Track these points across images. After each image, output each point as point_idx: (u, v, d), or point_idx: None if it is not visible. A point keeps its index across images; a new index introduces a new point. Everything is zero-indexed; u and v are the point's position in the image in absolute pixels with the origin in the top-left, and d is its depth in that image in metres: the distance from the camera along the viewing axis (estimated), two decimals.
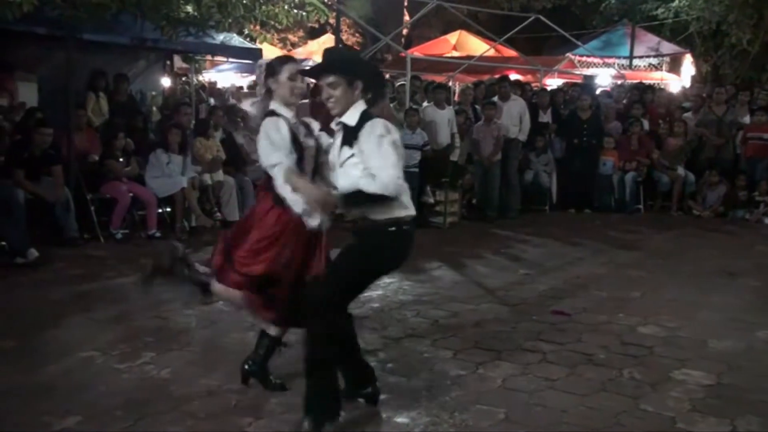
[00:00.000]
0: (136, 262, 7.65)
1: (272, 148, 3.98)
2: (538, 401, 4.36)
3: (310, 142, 4.19)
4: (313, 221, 4.10)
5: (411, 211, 3.90)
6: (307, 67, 4.74)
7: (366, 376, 4.25)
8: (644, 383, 4.66)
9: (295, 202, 3.98)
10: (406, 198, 3.87)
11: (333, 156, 3.97)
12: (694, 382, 4.69)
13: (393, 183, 3.66)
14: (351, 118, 3.82)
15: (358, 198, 3.73)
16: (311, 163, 4.19)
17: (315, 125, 4.32)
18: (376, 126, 3.74)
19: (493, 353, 5.13)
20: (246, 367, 4.46)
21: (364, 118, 3.79)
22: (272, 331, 4.41)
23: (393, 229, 3.83)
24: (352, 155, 3.77)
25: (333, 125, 3.95)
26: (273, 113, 4.12)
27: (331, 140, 4.09)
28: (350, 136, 3.80)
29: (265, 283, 4.12)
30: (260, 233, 4.12)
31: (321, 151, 4.21)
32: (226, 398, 4.31)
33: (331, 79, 3.80)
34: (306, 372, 3.89)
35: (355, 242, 3.92)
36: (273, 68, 4.18)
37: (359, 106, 3.84)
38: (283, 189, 3.97)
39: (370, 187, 3.67)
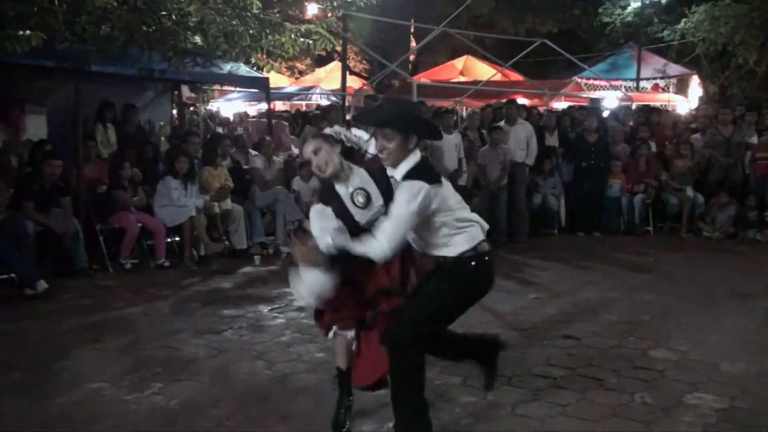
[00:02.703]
0: (145, 291, 7.69)
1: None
2: (549, 428, 4.33)
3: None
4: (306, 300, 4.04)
5: (479, 238, 3.99)
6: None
7: (488, 346, 4.50)
8: (656, 408, 4.61)
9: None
10: (476, 228, 3.99)
11: None
12: (707, 406, 4.64)
13: (384, 252, 3.73)
14: (399, 173, 3.85)
15: (341, 258, 3.83)
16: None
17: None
18: (405, 189, 3.76)
19: (503, 379, 5.08)
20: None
21: (406, 177, 3.80)
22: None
23: (473, 263, 3.94)
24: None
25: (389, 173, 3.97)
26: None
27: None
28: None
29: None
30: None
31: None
32: (234, 429, 4.29)
33: (387, 131, 3.83)
34: (394, 401, 3.96)
35: (438, 279, 3.98)
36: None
37: (411, 160, 3.85)
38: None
39: (359, 247, 3.78)
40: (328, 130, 4.20)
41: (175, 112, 12.85)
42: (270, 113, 13.50)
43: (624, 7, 22.97)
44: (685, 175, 11.80)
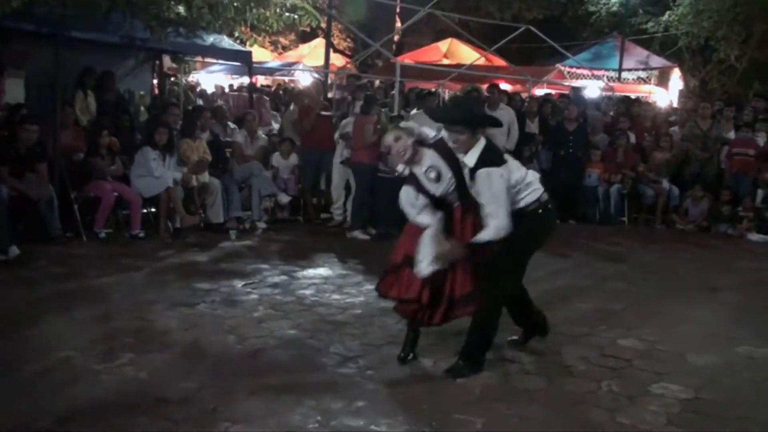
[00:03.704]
0: (119, 262, 7.65)
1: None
2: (516, 412, 4.37)
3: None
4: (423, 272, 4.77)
5: (540, 191, 4.94)
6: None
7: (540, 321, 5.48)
8: (622, 396, 4.68)
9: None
10: (534, 183, 4.92)
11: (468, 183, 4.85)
12: (672, 396, 4.71)
13: (503, 227, 4.63)
14: (470, 159, 4.75)
15: (479, 246, 4.72)
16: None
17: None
18: (486, 177, 4.66)
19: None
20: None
21: (479, 163, 4.71)
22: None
23: (540, 211, 4.91)
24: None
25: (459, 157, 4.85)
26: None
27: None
28: (471, 174, 4.77)
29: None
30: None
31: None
32: (203, 402, 4.30)
33: (459, 128, 4.77)
34: (472, 333, 4.97)
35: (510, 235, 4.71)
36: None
37: (479, 147, 4.75)
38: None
39: (485, 236, 4.66)
40: (403, 124, 5.13)
41: (155, 82, 12.72)
42: (252, 87, 13.40)
43: None
44: (662, 167, 11.89)
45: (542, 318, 5.50)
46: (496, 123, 5.49)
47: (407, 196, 4.91)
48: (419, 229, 4.84)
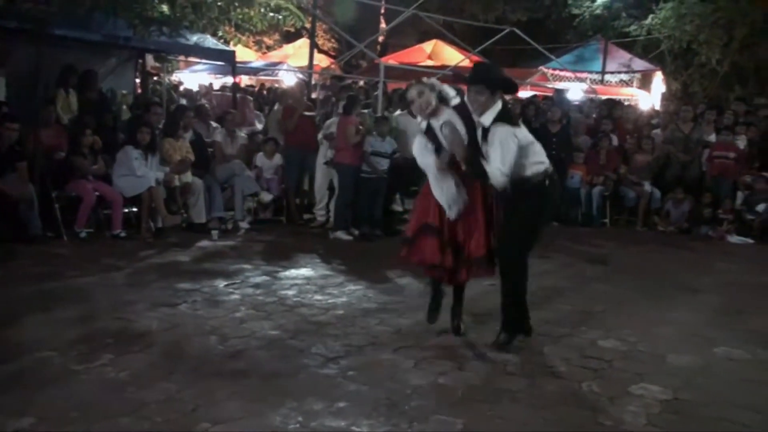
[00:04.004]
0: (100, 261, 7.60)
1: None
2: (497, 413, 4.38)
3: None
4: (451, 212, 5.31)
5: (546, 163, 5.38)
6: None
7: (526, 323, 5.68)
8: (603, 397, 4.70)
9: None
10: (540, 155, 5.36)
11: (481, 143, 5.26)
12: (652, 396, 4.74)
13: (502, 173, 5.07)
14: (487, 118, 5.21)
15: (478, 168, 5.17)
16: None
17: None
18: (499, 131, 5.13)
19: (455, 363, 5.15)
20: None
21: (494, 122, 5.16)
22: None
23: (546, 182, 5.34)
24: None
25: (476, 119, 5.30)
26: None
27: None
28: (485, 132, 5.21)
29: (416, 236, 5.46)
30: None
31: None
32: (184, 403, 4.27)
33: (479, 87, 5.19)
34: (505, 305, 5.48)
35: (521, 199, 5.30)
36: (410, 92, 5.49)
37: (495, 108, 5.20)
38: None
39: (487, 168, 5.13)
40: (425, 80, 5.49)
41: (138, 81, 12.66)
42: (235, 87, 13.36)
43: (593, 0, 23.09)
44: (644, 169, 11.97)
45: (526, 318, 5.71)
46: (513, 87, 5.68)
47: (420, 143, 5.42)
48: (428, 200, 5.39)
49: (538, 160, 5.31)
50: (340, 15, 21.81)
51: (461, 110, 5.34)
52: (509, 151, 5.06)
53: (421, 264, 5.64)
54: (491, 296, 6.97)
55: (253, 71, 20.14)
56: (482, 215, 5.39)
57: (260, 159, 10.51)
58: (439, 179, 5.30)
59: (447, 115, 5.32)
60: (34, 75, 8.75)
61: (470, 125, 5.29)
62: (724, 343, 5.91)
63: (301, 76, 17.09)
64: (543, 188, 5.33)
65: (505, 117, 5.21)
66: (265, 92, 18.81)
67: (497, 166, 5.05)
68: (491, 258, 5.41)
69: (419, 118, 5.44)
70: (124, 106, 11.46)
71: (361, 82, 17.46)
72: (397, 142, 9.89)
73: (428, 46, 21.67)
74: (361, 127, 9.55)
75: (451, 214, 5.31)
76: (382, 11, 24.30)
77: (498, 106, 5.20)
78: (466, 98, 5.39)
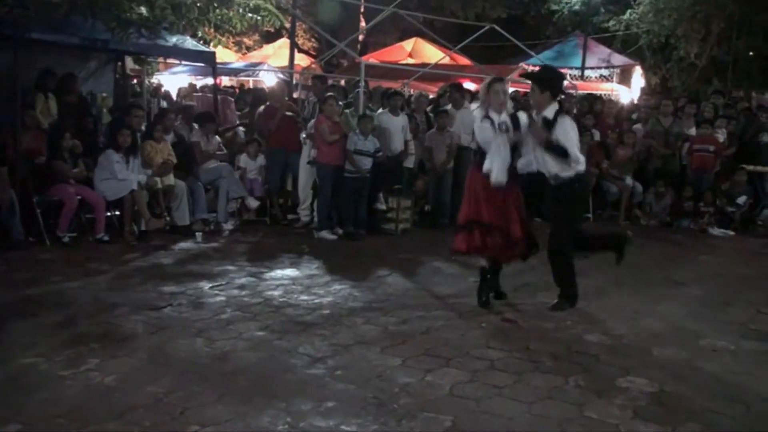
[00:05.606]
0: (83, 266, 7.55)
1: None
2: (485, 409, 4.40)
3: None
4: (498, 180, 6.29)
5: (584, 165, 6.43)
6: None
7: (618, 239, 6.96)
8: (589, 390, 4.73)
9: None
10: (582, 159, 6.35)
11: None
12: (638, 389, 4.78)
13: (581, 162, 6.27)
14: (549, 112, 6.24)
15: (558, 150, 6.17)
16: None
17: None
18: (568, 122, 6.30)
19: (442, 360, 5.16)
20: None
21: (557, 114, 6.21)
22: (482, 263, 6.68)
23: (586, 179, 6.69)
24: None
25: (534, 116, 6.39)
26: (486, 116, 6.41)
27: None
28: (547, 125, 6.19)
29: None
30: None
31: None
32: (171, 406, 4.26)
33: (534, 86, 6.37)
34: (560, 283, 6.61)
35: (560, 197, 6.42)
36: (488, 86, 6.46)
37: (554, 106, 6.27)
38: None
39: (568, 153, 6.17)
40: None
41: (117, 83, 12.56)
42: (215, 88, 13.31)
43: None
44: (626, 164, 12.03)
45: (616, 234, 7.19)
46: (559, 92, 6.58)
47: (482, 126, 6.35)
48: (476, 193, 6.47)
49: (583, 159, 6.34)
50: (322, 14, 21.78)
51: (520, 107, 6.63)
52: (576, 136, 6.27)
53: (466, 252, 6.63)
54: (476, 293, 7.04)
55: (234, 72, 20.09)
56: (516, 207, 6.50)
57: (244, 160, 10.49)
58: (501, 150, 6.25)
59: (507, 115, 6.33)
60: (12, 79, 8.66)
61: (517, 124, 6.31)
62: (709, 335, 5.97)
63: (281, 76, 17.06)
64: (584, 185, 6.66)
65: (565, 111, 6.48)
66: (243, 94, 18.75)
67: (576, 157, 6.15)
68: (528, 242, 6.59)
69: (473, 107, 6.52)
70: (105, 109, 11.37)
71: (342, 81, 17.44)
72: (378, 141, 9.88)
73: (409, 44, 21.73)
74: (337, 119, 9.60)
75: (501, 178, 6.25)
76: (362, 10, 24.27)
77: (556, 105, 6.27)
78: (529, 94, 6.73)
